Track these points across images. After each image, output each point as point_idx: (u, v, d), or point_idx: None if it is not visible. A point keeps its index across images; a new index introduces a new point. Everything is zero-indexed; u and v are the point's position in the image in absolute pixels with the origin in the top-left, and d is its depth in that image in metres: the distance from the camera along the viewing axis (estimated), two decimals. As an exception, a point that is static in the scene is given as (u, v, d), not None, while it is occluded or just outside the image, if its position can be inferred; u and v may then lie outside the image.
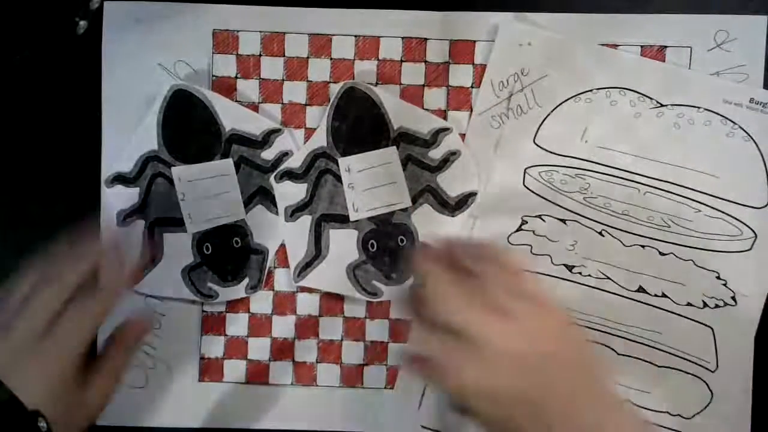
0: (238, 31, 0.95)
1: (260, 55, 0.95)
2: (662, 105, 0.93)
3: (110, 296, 0.81)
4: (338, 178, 0.94)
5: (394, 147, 0.94)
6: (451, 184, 0.94)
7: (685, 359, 0.93)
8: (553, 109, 0.94)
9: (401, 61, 0.95)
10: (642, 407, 0.94)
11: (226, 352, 0.96)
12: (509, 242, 0.94)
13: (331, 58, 0.95)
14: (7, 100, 0.95)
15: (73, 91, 0.95)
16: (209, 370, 0.96)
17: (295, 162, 0.94)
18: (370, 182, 0.93)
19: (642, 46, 0.94)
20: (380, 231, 0.94)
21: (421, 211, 0.94)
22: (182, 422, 0.96)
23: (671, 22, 0.94)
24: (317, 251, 0.94)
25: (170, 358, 0.96)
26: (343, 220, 0.94)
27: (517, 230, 0.94)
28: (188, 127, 0.94)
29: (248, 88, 0.95)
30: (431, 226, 0.94)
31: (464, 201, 0.94)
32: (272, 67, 0.95)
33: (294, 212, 0.94)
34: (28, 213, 0.89)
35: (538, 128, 0.94)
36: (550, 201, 0.94)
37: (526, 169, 0.94)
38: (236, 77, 0.95)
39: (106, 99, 0.95)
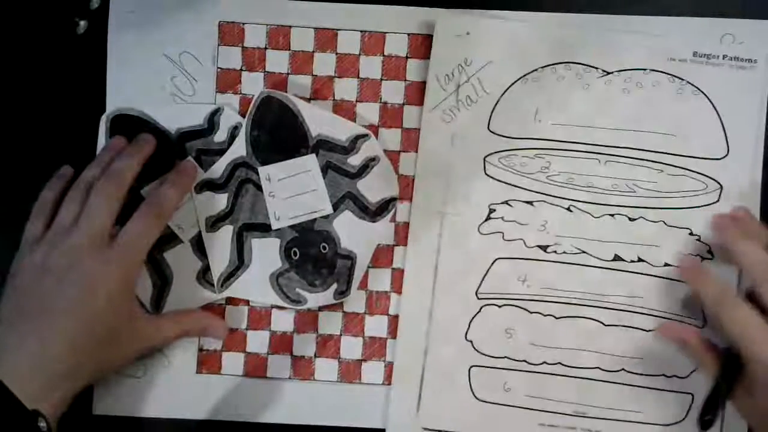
0: (243, 23, 0.96)
1: (265, 48, 0.96)
2: (609, 72, 0.93)
3: (166, 195, 0.88)
4: (259, 187, 0.94)
5: (314, 154, 0.94)
6: (372, 190, 0.95)
7: (671, 320, 0.93)
8: (502, 94, 0.94)
9: (407, 57, 0.96)
10: (637, 373, 0.94)
11: (224, 345, 0.96)
12: (480, 232, 0.94)
13: (336, 53, 0.96)
14: (8, 101, 0.97)
15: (73, 92, 0.97)
16: (207, 362, 0.96)
17: (215, 172, 0.95)
18: (290, 190, 0.94)
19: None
20: (302, 239, 0.95)
21: (342, 217, 0.95)
22: (179, 413, 0.96)
23: (676, 24, 0.95)
24: (240, 261, 0.95)
25: (169, 348, 0.96)
26: (264, 228, 0.95)
27: (486, 219, 0.94)
28: (276, 133, 0.94)
29: (252, 81, 0.96)
30: (353, 232, 0.95)
31: (385, 206, 0.95)
32: (277, 61, 0.96)
33: (215, 222, 0.95)
34: (29, 214, 0.90)
35: (491, 115, 0.94)
36: (514, 185, 0.94)
37: (485, 157, 0.94)
38: (241, 69, 0.96)
39: (111, 88, 0.96)
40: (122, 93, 0.96)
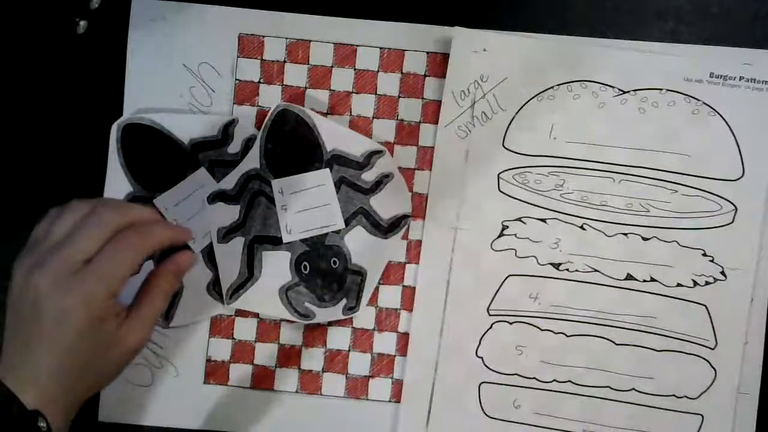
0: (263, 36, 0.96)
1: (284, 62, 0.96)
2: (625, 92, 0.93)
3: (154, 231, 0.80)
4: (271, 200, 0.94)
5: (327, 169, 0.94)
6: (384, 206, 0.95)
7: (683, 340, 0.93)
8: (518, 111, 0.94)
9: (425, 75, 0.96)
10: (647, 393, 0.93)
11: (232, 356, 0.97)
12: (492, 249, 0.94)
13: (355, 69, 0.96)
14: (8, 101, 0.97)
15: (73, 92, 0.97)
16: (215, 372, 0.97)
17: (227, 183, 0.94)
18: (303, 204, 0.94)
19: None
20: (313, 253, 0.94)
21: (354, 232, 0.95)
22: (185, 423, 0.96)
23: (693, 49, 0.95)
24: (250, 273, 0.95)
25: (177, 358, 0.96)
26: (275, 241, 0.94)
27: (499, 236, 0.94)
28: (291, 146, 0.94)
29: (270, 94, 0.96)
30: (364, 247, 0.95)
31: (397, 223, 0.95)
32: (296, 74, 0.96)
33: (227, 234, 0.94)
34: (32, 221, 0.88)
35: (506, 132, 0.94)
36: (527, 202, 0.94)
37: (499, 174, 0.94)
38: (259, 82, 0.96)
39: (129, 96, 0.96)
40: (140, 101, 0.96)
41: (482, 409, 0.94)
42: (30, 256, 0.78)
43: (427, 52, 0.95)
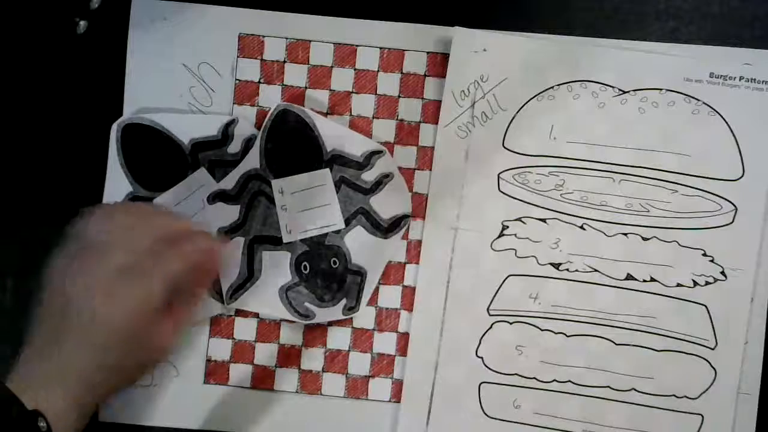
0: (264, 36, 0.96)
1: (284, 62, 0.96)
2: (625, 92, 0.93)
3: (198, 242, 0.82)
4: (271, 200, 0.94)
5: (327, 169, 0.94)
6: (384, 206, 0.95)
7: (683, 340, 0.93)
8: (518, 111, 0.94)
9: (425, 75, 0.96)
10: (647, 393, 0.93)
11: (232, 356, 0.96)
12: (492, 249, 0.94)
13: (355, 69, 0.96)
14: (8, 102, 0.97)
15: (73, 92, 0.96)
16: (215, 372, 0.96)
17: (227, 183, 0.94)
18: (303, 204, 0.94)
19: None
20: (313, 253, 0.94)
21: (354, 232, 0.95)
22: (185, 423, 0.96)
23: (693, 49, 0.95)
24: (250, 273, 0.94)
25: (177, 358, 0.96)
26: (276, 241, 0.94)
27: (499, 236, 0.94)
28: (291, 146, 0.94)
29: (270, 94, 0.96)
30: (364, 247, 0.94)
31: (397, 223, 0.95)
32: (296, 74, 0.96)
33: (227, 234, 0.94)
34: (32, 221, 0.87)
35: (506, 132, 0.94)
36: (527, 202, 0.94)
37: (499, 174, 0.94)
38: (259, 82, 0.96)
39: (129, 96, 0.96)
40: (140, 101, 0.96)
41: (482, 409, 0.94)
42: (69, 258, 0.79)
43: (427, 52, 0.95)
